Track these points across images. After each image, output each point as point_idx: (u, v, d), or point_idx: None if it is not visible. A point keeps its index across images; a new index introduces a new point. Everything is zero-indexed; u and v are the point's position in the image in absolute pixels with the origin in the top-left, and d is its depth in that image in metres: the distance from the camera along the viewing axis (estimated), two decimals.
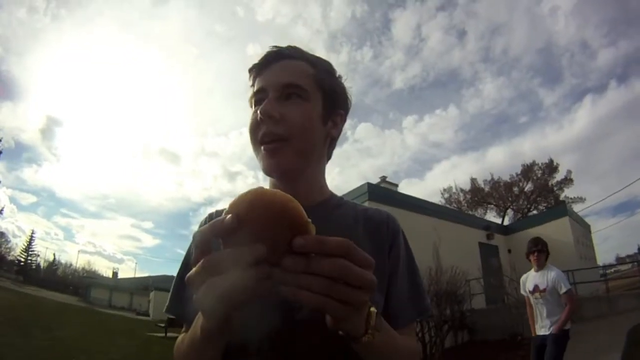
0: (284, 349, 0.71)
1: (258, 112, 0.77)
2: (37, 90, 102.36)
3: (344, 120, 0.90)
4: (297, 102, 0.78)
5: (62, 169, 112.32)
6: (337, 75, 0.88)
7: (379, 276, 0.76)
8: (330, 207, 0.87)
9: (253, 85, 0.85)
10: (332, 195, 0.91)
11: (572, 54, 43.99)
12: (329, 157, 0.92)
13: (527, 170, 29.15)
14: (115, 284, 49.09)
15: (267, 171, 0.79)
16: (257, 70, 0.84)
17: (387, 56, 56.88)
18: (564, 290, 3.91)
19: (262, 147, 0.77)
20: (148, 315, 28.38)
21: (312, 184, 0.86)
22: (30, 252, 59.67)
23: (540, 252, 4.22)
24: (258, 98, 0.81)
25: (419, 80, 54.33)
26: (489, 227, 15.69)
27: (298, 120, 0.76)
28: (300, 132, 0.77)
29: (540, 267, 4.21)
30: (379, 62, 57.21)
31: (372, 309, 0.57)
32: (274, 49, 0.83)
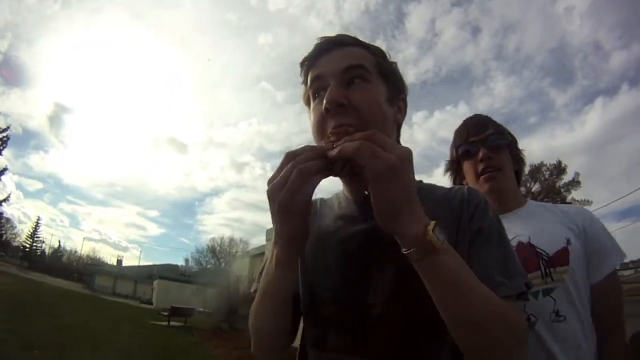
0: (357, 346, 0.71)
1: (324, 102, 0.70)
2: (45, 77, 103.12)
3: (407, 105, 0.85)
4: (361, 85, 0.72)
5: (69, 156, 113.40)
6: (392, 61, 0.84)
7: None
8: None
9: (306, 81, 0.80)
10: None
11: (585, 55, 43.60)
12: None
13: (535, 171, 28.93)
14: (119, 272, 49.31)
15: None
16: (310, 62, 0.78)
17: (400, 50, 56.58)
18: (608, 268, 1.28)
19: None
20: (151, 304, 28.55)
21: None
22: (35, 239, 60.79)
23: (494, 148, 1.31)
24: (315, 88, 0.76)
25: (431, 75, 54.19)
26: None
27: (367, 105, 0.71)
28: (372, 118, 0.71)
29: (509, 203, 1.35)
30: (391, 55, 56.70)
31: (434, 221, 0.58)
32: (325, 39, 0.78)
